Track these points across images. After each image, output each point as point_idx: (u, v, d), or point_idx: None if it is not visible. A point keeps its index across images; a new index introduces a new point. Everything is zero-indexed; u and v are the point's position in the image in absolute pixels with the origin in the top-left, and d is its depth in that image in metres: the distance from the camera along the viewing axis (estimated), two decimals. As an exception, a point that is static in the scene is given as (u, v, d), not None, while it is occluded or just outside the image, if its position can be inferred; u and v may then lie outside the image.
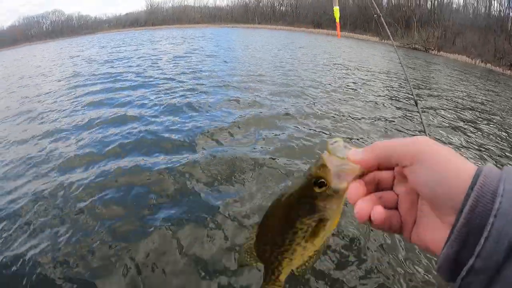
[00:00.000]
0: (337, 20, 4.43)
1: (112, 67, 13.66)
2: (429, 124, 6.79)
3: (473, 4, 42.05)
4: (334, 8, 4.40)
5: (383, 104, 8.05)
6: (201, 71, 11.53)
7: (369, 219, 0.44)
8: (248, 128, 5.60)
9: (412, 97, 3.21)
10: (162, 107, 6.97)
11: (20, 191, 3.91)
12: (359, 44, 33.00)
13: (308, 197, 0.49)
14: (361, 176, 0.47)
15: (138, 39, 32.91)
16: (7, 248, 2.94)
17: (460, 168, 0.38)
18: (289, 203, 0.51)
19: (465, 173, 0.38)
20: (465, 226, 0.36)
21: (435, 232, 0.41)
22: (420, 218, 0.44)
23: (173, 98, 7.72)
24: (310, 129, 5.72)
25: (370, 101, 8.25)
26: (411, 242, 0.46)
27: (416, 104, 3.00)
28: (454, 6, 44.68)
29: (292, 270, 0.56)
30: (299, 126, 5.84)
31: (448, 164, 0.39)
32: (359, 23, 51.46)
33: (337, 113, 6.83)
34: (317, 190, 0.48)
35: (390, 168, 0.46)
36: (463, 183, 0.37)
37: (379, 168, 0.46)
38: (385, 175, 0.47)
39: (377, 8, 3.91)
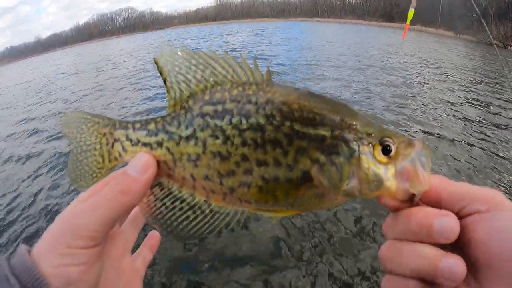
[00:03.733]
0: (407, 22, 4.42)
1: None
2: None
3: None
4: (410, 10, 4.30)
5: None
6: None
7: None
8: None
9: None
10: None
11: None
12: (438, 40, 31.37)
13: (349, 140, 0.38)
14: (410, 200, 0.38)
15: (225, 32, 35.86)
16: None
17: None
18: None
19: None
20: None
21: None
22: None
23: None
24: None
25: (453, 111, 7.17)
26: None
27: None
28: (533, -5, 40.03)
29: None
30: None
31: None
32: (430, 16, 50.65)
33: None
34: (376, 153, 0.38)
35: (452, 209, 0.37)
36: None
37: (440, 205, 0.38)
38: None
39: (477, 9, 3.37)
